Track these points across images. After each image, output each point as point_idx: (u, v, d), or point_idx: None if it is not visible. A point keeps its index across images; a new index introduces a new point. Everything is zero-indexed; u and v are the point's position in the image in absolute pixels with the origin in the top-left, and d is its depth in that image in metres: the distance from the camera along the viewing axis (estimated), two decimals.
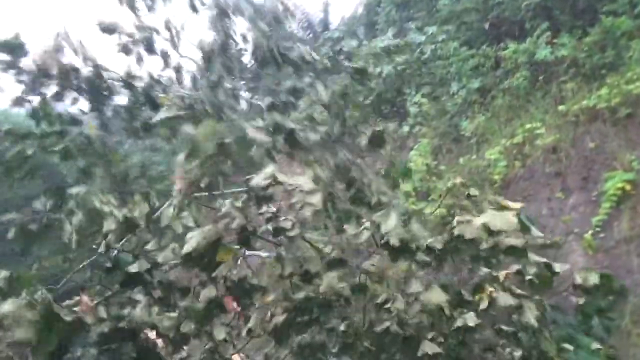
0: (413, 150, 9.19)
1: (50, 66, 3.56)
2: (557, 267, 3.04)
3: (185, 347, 3.32)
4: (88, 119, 3.98)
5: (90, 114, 3.99)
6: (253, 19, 3.97)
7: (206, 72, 4.25)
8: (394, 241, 2.81)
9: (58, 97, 3.78)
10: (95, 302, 2.82)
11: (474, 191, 3.46)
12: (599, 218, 5.78)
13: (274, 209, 3.34)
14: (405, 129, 10.64)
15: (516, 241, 2.80)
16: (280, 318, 3.23)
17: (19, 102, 3.77)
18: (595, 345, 3.25)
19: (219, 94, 4.02)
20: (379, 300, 3.13)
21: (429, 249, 2.94)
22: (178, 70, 4.47)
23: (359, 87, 12.95)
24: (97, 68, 3.78)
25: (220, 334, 3.22)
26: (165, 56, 4.32)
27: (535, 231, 3.11)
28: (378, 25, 14.05)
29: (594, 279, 3.18)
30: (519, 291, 3.04)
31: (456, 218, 3.02)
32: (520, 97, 8.50)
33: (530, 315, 2.86)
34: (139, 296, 3.02)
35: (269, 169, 3.00)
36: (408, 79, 11.59)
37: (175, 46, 4.22)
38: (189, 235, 2.67)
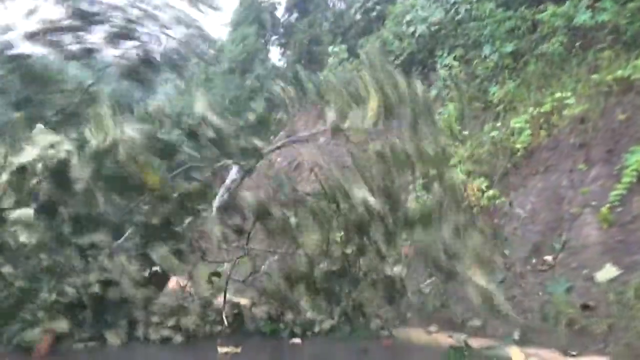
0: (438, 115, 9.08)
1: None
2: None
3: None
4: None
5: None
6: None
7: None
8: None
9: None
10: None
11: None
12: (618, 192, 5.66)
13: None
14: (434, 92, 10.45)
15: None
16: None
17: None
18: None
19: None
20: None
21: None
22: None
23: (392, 47, 12.73)
24: None
25: None
26: None
27: None
28: None
29: None
30: None
31: None
32: (553, 64, 8.19)
33: None
34: None
35: None
36: (442, 40, 11.29)
37: None
38: None
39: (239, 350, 4.84)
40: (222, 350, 4.82)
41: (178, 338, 5.22)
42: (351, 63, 13.39)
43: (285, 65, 18.34)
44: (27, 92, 9.56)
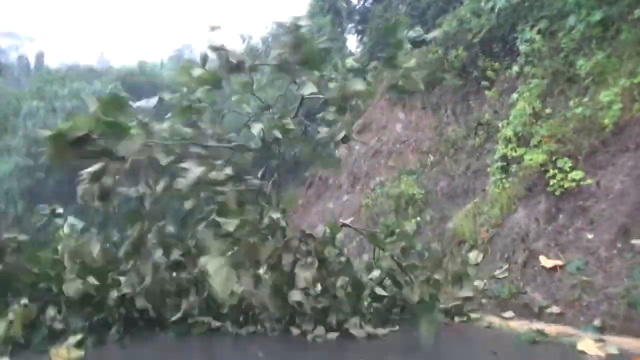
0: (516, 93, 8.62)
1: None
2: None
3: None
4: None
5: None
6: None
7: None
8: None
9: None
10: None
11: None
12: None
13: None
14: (515, 69, 9.90)
15: None
16: None
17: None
18: None
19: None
20: None
21: None
22: None
23: (469, 25, 12.27)
24: None
25: None
26: None
27: None
28: None
29: None
30: None
31: None
32: None
33: None
34: None
35: None
36: (524, 13, 10.63)
37: None
38: None
39: None
40: None
41: None
42: (428, 45, 13.03)
43: (363, 52, 18.28)
44: None
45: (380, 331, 4.88)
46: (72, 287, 4.64)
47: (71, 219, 5.64)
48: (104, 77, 34.10)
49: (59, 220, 5.86)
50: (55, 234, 5.54)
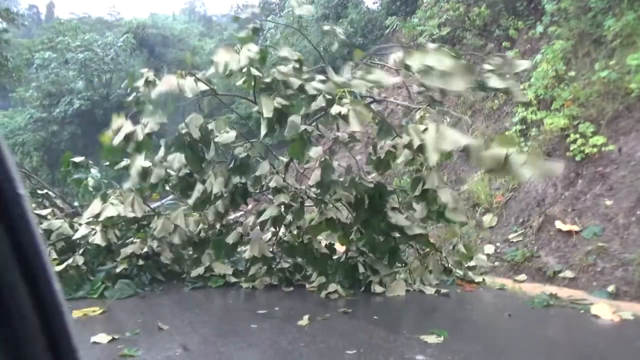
0: (539, 54, 8.36)
1: None
2: None
3: None
4: None
5: None
6: None
7: None
8: None
9: None
10: None
11: None
12: None
13: None
14: (539, 29, 9.56)
15: None
16: None
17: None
18: None
19: None
20: None
21: None
22: None
23: None
24: None
25: None
26: None
27: None
28: None
29: None
30: None
31: None
32: None
33: None
34: None
35: None
36: None
37: None
38: None
39: None
40: None
41: None
42: (448, 2, 12.60)
43: (380, 8, 17.74)
44: None
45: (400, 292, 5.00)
46: (98, 237, 4.75)
47: (94, 172, 5.71)
48: (116, 29, 33.62)
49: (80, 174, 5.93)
50: (79, 185, 5.62)
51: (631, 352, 3.53)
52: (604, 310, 4.25)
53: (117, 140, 4.32)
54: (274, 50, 5.96)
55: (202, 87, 4.52)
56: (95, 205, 4.82)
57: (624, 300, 4.79)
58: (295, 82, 4.40)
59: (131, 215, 4.88)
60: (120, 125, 4.36)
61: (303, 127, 4.14)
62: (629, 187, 5.92)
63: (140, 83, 4.64)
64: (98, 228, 4.92)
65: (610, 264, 5.28)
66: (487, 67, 4.31)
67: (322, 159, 4.47)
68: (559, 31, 8.80)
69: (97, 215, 4.76)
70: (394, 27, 15.00)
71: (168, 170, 5.03)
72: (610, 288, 5.01)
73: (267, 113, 4.16)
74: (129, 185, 5.01)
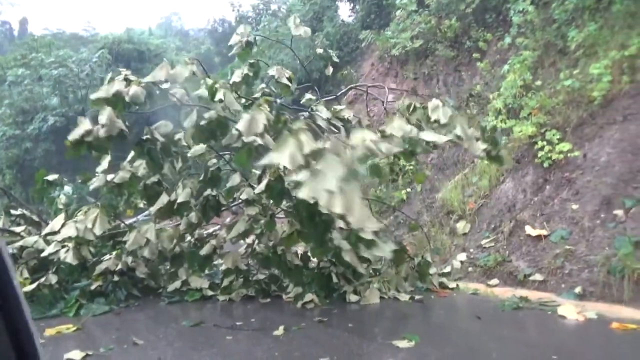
0: (507, 64, 8.63)
1: None
2: None
3: None
4: None
5: None
6: None
7: None
8: None
9: None
10: None
11: None
12: None
13: None
14: (507, 40, 9.87)
15: None
16: None
17: None
18: None
19: None
20: None
21: None
22: None
23: None
24: None
25: None
26: None
27: None
28: None
29: None
30: None
31: None
32: None
33: None
34: None
35: None
36: None
37: None
38: None
39: None
40: None
41: None
42: (420, 15, 12.91)
43: (355, 21, 18.03)
44: None
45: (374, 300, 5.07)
46: (70, 255, 4.71)
47: (67, 188, 5.68)
48: (91, 44, 33.34)
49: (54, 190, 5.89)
50: (52, 203, 5.59)
51: (592, 349, 3.68)
52: (570, 310, 4.40)
53: (73, 136, 4.29)
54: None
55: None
56: (56, 222, 4.81)
57: (590, 301, 4.96)
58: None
59: (91, 233, 4.84)
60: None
61: (244, 138, 4.14)
62: (593, 191, 6.13)
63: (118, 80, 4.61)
64: (71, 245, 4.89)
65: (577, 266, 5.46)
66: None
67: (273, 169, 4.50)
68: (526, 42, 9.12)
69: (55, 233, 4.73)
70: (369, 40, 15.28)
71: (135, 175, 5.02)
72: (578, 289, 5.18)
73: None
74: (95, 185, 4.99)
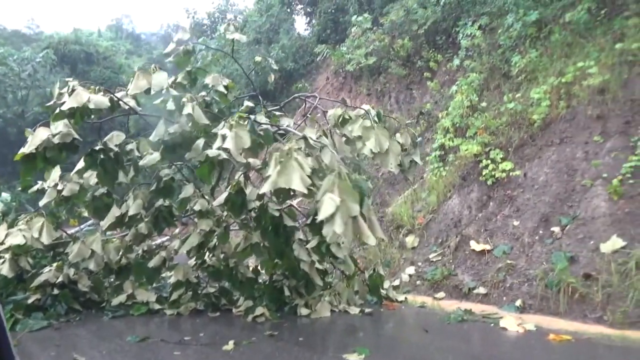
0: (455, 85, 9.01)
1: None
2: None
3: None
4: None
5: None
6: None
7: None
8: None
9: None
10: None
11: None
12: (631, 164, 5.61)
13: None
14: (456, 62, 10.33)
15: None
16: None
17: None
18: None
19: None
20: None
21: None
22: None
23: (415, 16, 12.51)
24: None
25: None
26: None
27: None
28: None
29: None
30: None
31: None
32: (578, 33, 7.96)
33: None
34: None
35: None
36: (467, 8, 11.06)
37: None
38: None
39: None
40: None
41: None
42: (374, 33, 13.26)
43: (311, 35, 18.25)
44: None
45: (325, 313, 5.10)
46: (6, 266, 4.46)
47: (5, 195, 5.38)
48: (34, 43, 31.85)
49: None
50: None
51: (530, 358, 3.88)
52: (511, 322, 4.62)
53: (28, 148, 4.10)
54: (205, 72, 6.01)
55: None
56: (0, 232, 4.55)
57: (529, 313, 5.21)
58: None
59: (39, 242, 4.62)
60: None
61: (208, 152, 4.12)
62: (533, 209, 6.48)
63: (64, 92, 4.45)
64: (7, 256, 4.62)
65: (518, 279, 5.73)
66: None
67: (235, 182, 4.49)
68: (473, 65, 9.57)
69: (1, 243, 4.48)
70: (324, 54, 15.51)
71: (84, 186, 4.85)
72: (518, 302, 5.43)
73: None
74: (45, 200, 4.77)
